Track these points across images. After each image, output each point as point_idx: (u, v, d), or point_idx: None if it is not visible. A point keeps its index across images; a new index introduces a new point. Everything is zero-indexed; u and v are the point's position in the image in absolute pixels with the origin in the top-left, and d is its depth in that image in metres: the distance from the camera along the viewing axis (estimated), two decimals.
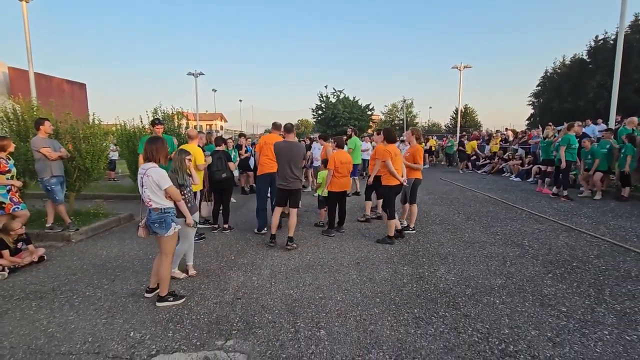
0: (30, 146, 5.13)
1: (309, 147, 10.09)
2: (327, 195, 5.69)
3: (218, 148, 5.86)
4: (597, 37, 27.71)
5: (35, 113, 6.19)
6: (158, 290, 3.33)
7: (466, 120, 40.85)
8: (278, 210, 5.11)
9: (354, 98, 32.98)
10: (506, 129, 17.80)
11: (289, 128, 5.24)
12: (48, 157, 5.02)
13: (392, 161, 4.94)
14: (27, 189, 6.17)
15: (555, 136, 8.86)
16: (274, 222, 5.06)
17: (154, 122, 5.96)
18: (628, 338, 2.65)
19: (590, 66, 27.51)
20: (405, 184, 5.12)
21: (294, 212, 5.01)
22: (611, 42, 24.70)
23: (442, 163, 19.26)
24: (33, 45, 10.00)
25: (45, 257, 4.48)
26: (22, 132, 6.04)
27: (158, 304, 3.25)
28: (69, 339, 2.73)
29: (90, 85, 21.21)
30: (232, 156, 8.86)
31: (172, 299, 3.30)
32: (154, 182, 3.08)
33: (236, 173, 8.45)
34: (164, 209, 3.16)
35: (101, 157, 6.30)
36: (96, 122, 6.66)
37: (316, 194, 7.26)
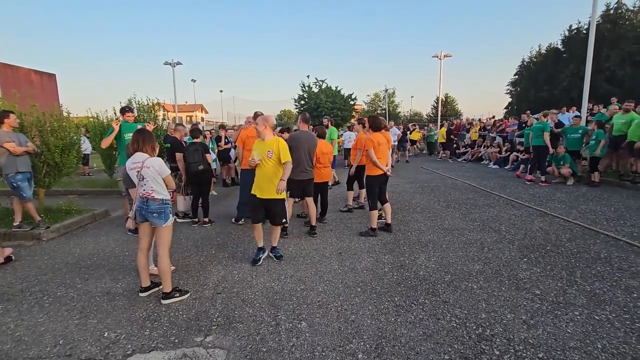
0: None
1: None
2: None
3: (195, 140, 5.70)
4: (570, 26, 28.43)
5: None
6: (159, 288, 3.29)
7: (447, 109, 41.48)
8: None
9: (336, 88, 32.73)
10: (492, 117, 18.20)
11: (307, 118, 5.20)
12: (12, 152, 4.75)
13: (376, 150, 4.81)
14: None
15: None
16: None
17: (123, 110, 5.53)
18: (597, 318, 2.76)
19: (565, 55, 28.21)
20: (389, 173, 5.01)
21: (311, 201, 5.08)
22: (584, 31, 25.36)
23: (424, 152, 19.50)
24: None
25: (13, 257, 4.26)
26: None
27: (163, 302, 3.16)
28: (39, 342, 2.61)
29: (60, 76, 20.19)
30: (210, 148, 8.65)
31: (178, 295, 3.23)
32: (156, 171, 3.07)
33: (214, 165, 8.26)
34: (165, 200, 3.14)
35: (71, 150, 6.02)
36: (65, 114, 6.34)
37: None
